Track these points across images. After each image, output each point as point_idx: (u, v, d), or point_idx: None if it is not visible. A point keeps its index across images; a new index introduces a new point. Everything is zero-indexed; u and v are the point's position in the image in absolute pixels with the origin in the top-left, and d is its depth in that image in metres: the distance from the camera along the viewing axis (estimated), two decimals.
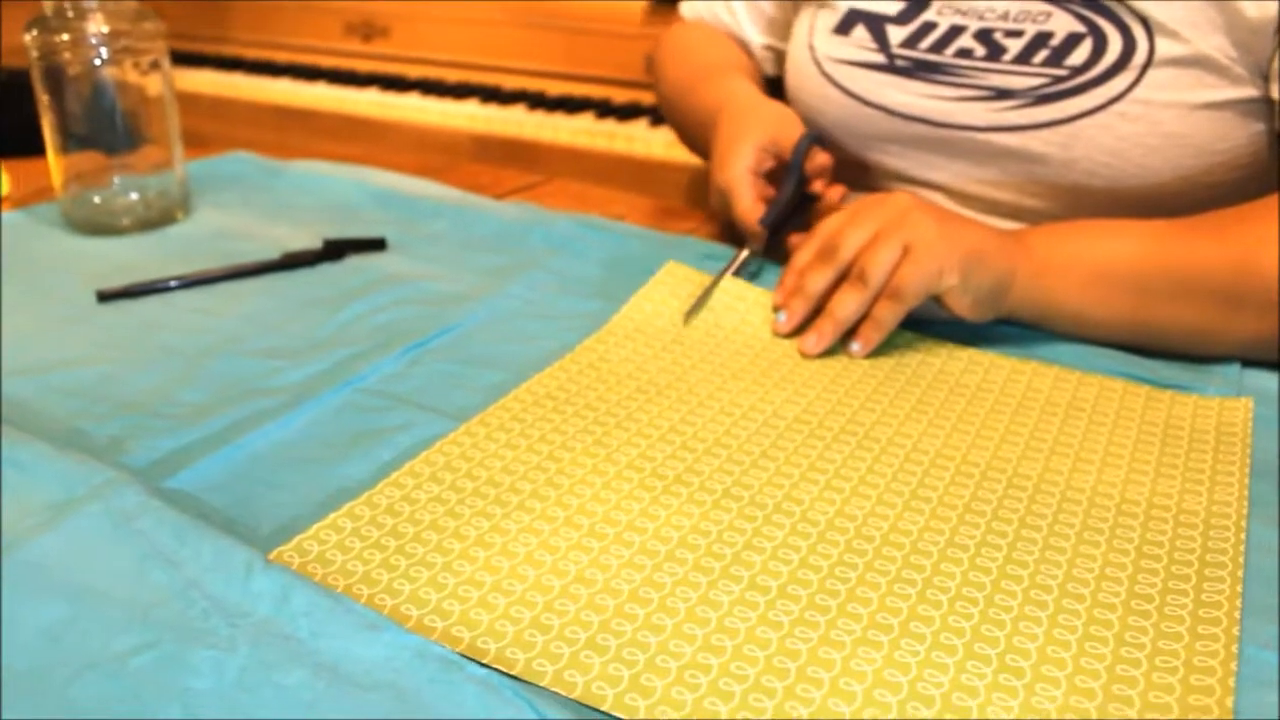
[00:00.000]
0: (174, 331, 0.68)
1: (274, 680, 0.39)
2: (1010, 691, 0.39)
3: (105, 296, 0.73)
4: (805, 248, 0.69)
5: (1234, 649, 0.41)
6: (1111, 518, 0.50)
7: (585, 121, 1.85)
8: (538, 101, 1.94)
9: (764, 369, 0.64)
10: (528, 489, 0.51)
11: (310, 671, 0.39)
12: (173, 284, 0.75)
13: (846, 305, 0.65)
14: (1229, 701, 0.39)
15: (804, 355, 0.66)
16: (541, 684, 0.39)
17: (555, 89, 1.96)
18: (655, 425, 0.57)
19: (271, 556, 0.46)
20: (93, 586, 0.43)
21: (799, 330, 0.68)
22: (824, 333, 0.66)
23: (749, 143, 0.78)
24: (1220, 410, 0.60)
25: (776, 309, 0.69)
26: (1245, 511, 0.50)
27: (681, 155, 1.74)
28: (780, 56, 0.99)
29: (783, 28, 0.98)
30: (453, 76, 2.08)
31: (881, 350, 0.66)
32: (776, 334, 0.68)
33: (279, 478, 0.52)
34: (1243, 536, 0.48)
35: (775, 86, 1.02)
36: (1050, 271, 0.66)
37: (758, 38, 1.00)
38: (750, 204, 0.75)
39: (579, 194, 0.99)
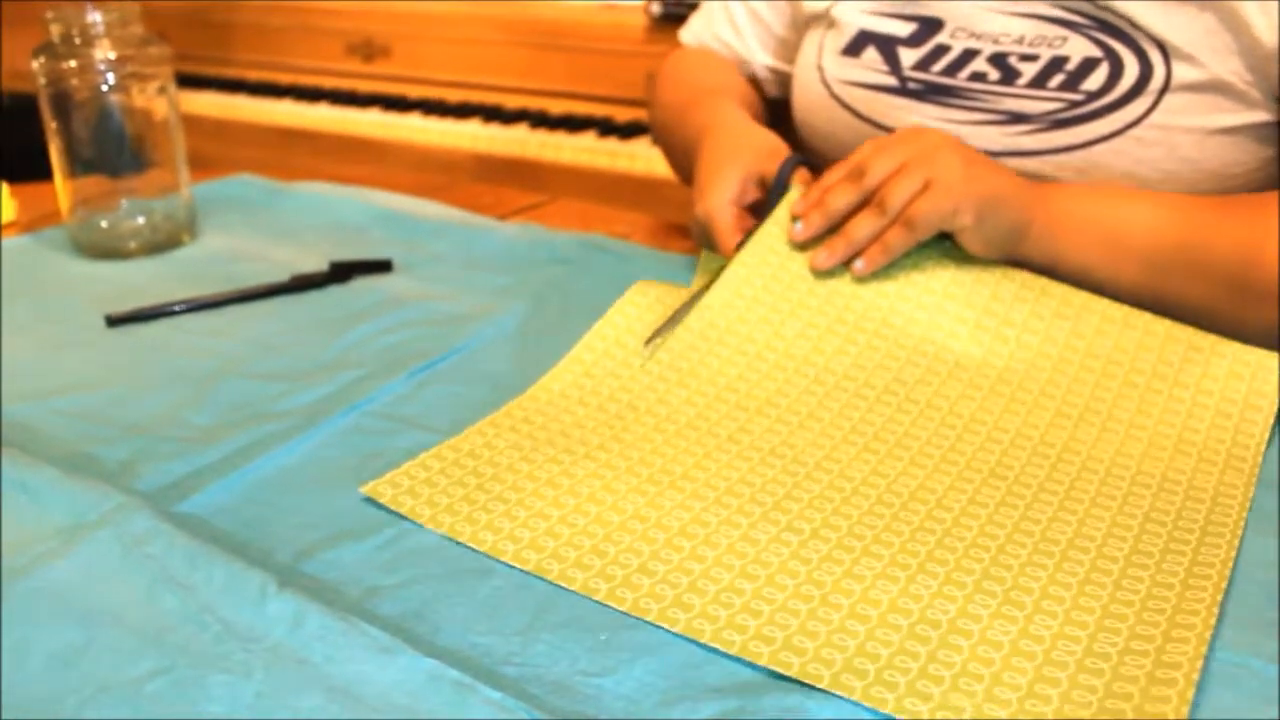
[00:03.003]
0: (182, 355, 0.68)
1: (289, 704, 0.39)
2: (1011, 619, 0.44)
3: (114, 320, 0.73)
4: (836, 167, 0.71)
5: (1219, 599, 0.45)
6: (1125, 487, 0.53)
7: (587, 140, 1.85)
8: (540, 121, 1.94)
9: (810, 326, 0.66)
10: (595, 441, 0.57)
11: (325, 695, 0.39)
12: (180, 308, 0.75)
13: (861, 228, 0.67)
14: (1207, 635, 0.43)
15: (813, 269, 0.69)
16: (596, 598, 0.45)
17: (557, 108, 1.97)
18: (711, 384, 0.62)
19: (366, 490, 0.52)
20: (105, 612, 0.44)
21: (812, 244, 0.70)
22: (835, 250, 0.68)
23: (733, 172, 0.74)
24: (1255, 373, 0.61)
25: (795, 218, 0.70)
26: (1252, 491, 0.53)
27: None
28: (786, 79, 0.98)
29: (790, 49, 0.97)
30: (454, 96, 2.09)
31: (935, 287, 0.68)
32: (792, 240, 0.70)
33: (290, 501, 0.52)
34: (1244, 516, 0.51)
35: (779, 108, 1.02)
36: (1064, 228, 0.69)
37: (764, 59, 0.99)
38: (729, 236, 0.72)
39: (582, 213, 0.99)
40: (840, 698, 0.40)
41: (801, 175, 0.75)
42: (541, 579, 0.47)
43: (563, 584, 0.46)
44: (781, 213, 0.71)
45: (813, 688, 0.40)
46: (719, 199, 0.73)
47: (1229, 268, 0.66)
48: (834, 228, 0.69)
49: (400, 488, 0.52)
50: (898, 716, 0.39)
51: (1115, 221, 0.69)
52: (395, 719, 0.38)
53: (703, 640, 0.43)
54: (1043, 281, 0.68)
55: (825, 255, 0.68)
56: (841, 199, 0.68)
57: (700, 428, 0.58)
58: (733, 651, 0.42)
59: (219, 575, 0.45)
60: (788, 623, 0.44)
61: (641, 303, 0.69)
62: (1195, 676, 0.40)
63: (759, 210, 0.74)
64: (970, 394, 0.61)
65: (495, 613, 0.45)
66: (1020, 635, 0.43)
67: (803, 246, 0.70)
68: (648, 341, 0.62)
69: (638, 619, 0.44)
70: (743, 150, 0.76)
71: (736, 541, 0.49)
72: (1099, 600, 0.45)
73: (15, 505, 0.50)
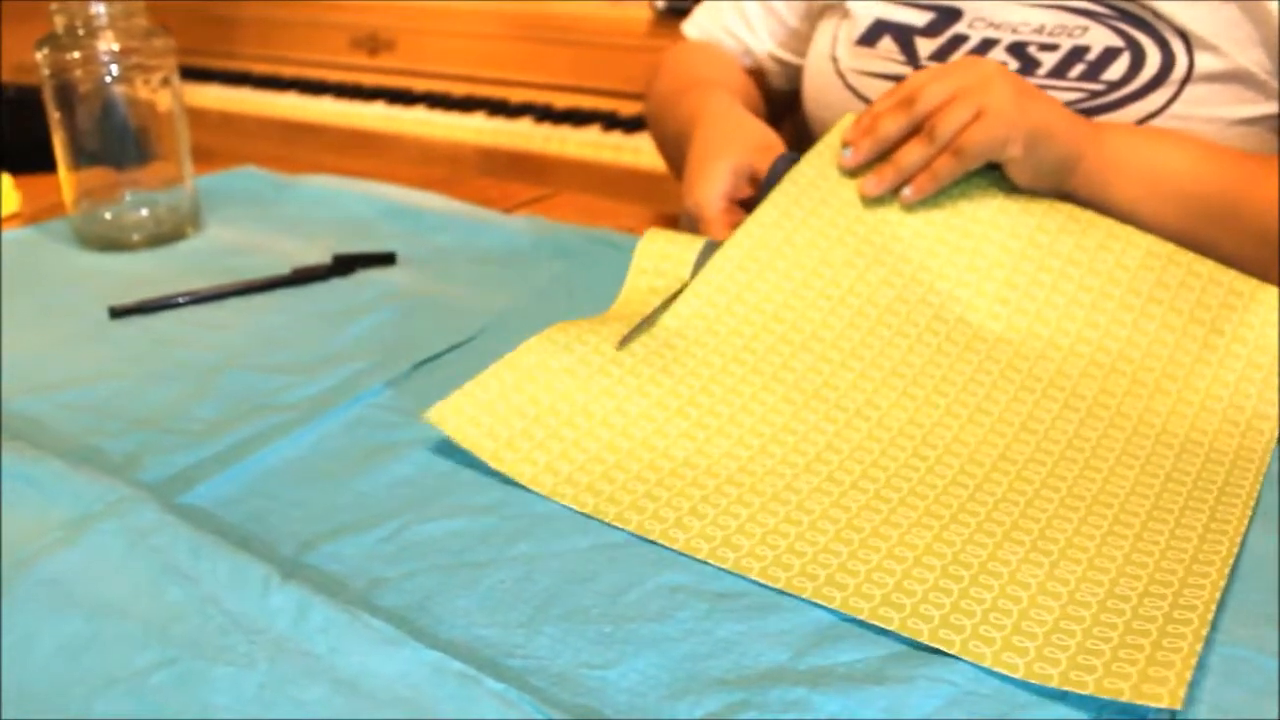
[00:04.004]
0: (186, 347, 0.68)
1: (293, 696, 0.39)
2: (1038, 565, 0.46)
3: (117, 313, 0.73)
4: (888, 94, 0.71)
5: (1234, 551, 0.47)
6: (1149, 445, 0.56)
7: (592, 134, 1.85)
8: (544, 114, 1.94)
9: (856, 255, 0.67)
10: (646, 374, 0.59)
11: (329, 687, 0.39)
12: (184, 300, 0.75)
13: (910, 155, 0.68)
14: (1221, 583, 0.45)
15: (861, 196, 0.69)
16: (651, 538, 0.48)
17: (562, 101, 1.97)
18: (759, 311, 0.63)
19: (431, 416, 0.54)
20: (110, 603, 0.44)
21: (861, 171, 0.70)
22: (884, 178, 0.69)
23: (723, 165, 0.73)
24: None
25: (845, 145, 0.71)
26: (1271, 451, 0.56)
27: None
28: (794, 72, 0.97)
29: (802, 41, 0.95)
30: (459, 90, 2.09)
31: (982, 217, 0.69)
32: (841, 166, 0.71)
33: (293, 493, 0.52)
34: (1260, 479, 0.53)
35: (784, 101, 1.02)
36: (1113, 168, 0.70)
37: (774, 51, 0.97)
38: (719, 231, 0.71)
39: (587, 207, 0.99)
40: (845, 693, 0.40)
41: None
42: (541, 571, 0.47)
43: (619, 524, 0.50)
44: (833, 138, 0.72)
45: (816, 682, 0.40)
46: (709, 192, 0.72)
47: (1263, 221, 0.67)
48: (883, 155, 0.69)
49: (464, 415, 0.54)
50: (933, 645, 0.42)
51: (1162, 165, 0.70)
52: (399, 711, 0.38)
53: (750, 576, 0.46)
54: (1089, 214, 0.69)
55: (874, 182, 0.69)
56: (892, 125, 0.69)
57: (746, 362, 0.60)
58: (778, 586, 0.45)
59: (223, 567, 0.45)
60: (829, 563, 0.47)
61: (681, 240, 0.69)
62: (1210, 616, 0.43)
63: (750, 206, 0.73)
64: (1009, 336, 0.63)
65: (499, 605, 0.45)
66: (1047, 578, 0.45)
67: (852, 173, 0.70)
68: (621, 344, 0.60)
69: (639, 613, 0.44)
70: (734, 142, 0.75)
71: (781, 491, 0.52)
72: (1121, 550, 0.47)
73: (21, 497, 0.50)
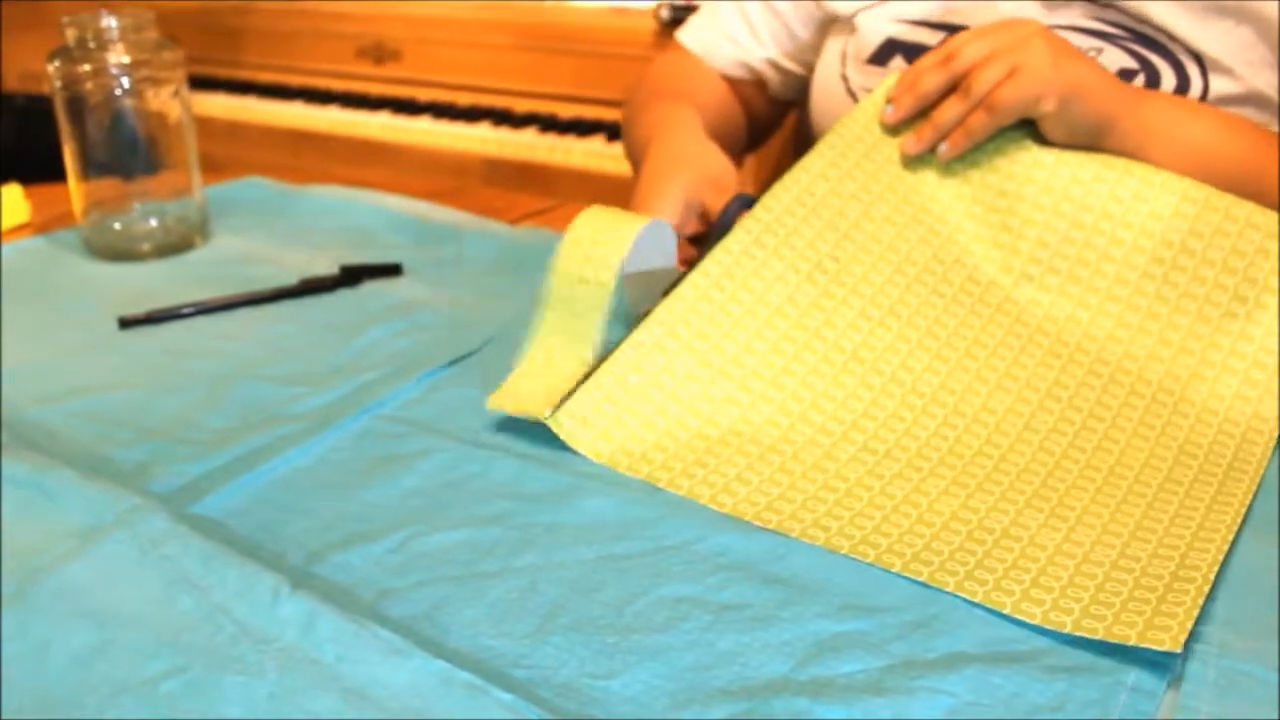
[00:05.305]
0: (195, 357, 0.69)
1: (302, 705, 0.39)
2: (1056, 529, 0.50)
3: (127, 323, 0.74)
4: (931, 52, 0.72)
5: (1239, 520, 0.51)
6: (1166, 415, 0.60)
7: (597, 144, 1.86)
8: (549, 124, 1.95)
9: (896, 212, 0.69)
10: (684, 334, 0.60)
11: (338, 697, 0.40)
12: (192, 310, 0.76)
13: (946, 112, 0.70)
14: (1225, 547, 0.49)
15: (903, 153, 0.71)
16: (702, 502, 0.53)
17: (567, 112, 1.97)
18: (804, 260, 0.64)
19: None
20: (122, 612, 0.44)
21: (903, 128, 0.72)
22: (923, 136, 0.71)
23: (675, 195, 0.69)
24: None
25: (888, 101, 0.72)
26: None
27: None
28: (792, 80, 0.97)
29: (805, 50, 0.95)
30: (464, 100, 2.10)
31: (1016, 172, 0.71)
32: (883, 122, 0.73)
33: (302, 504, 0.53)
34: (1269, 451, 0.57)
35: (778, 110, 1.03)
36: (1149, 136, 0.70)
37: (774, 55, 0.95)
38: None
39: None
40: (847, 703, 0.40)
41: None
42: (548, 582, 0.47)
43: (671, 489, 0.53)
44: (878, 94, 0.73)
45: (819, 693, 0.41)
46: (659, 214, 0.68)
47: None
48: (925, 113, 0.71)
49: (519, 392, 0.58)
50: (959, 594, 0.46)
51: (1198, 140, 0.70)
52: None
53: (794, 535, 0.50)
54: (1125, 162, 0.70)
55: (913, 141, 0.71)
56: (931, 81, 0.70)
57: (789, 315, 0.62)
58: (819, 542, 0.50)
59: (233, 577, 0.45)
60: (865, 525, 0.51)
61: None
62: (1213, 575, 0.46)
63: (699, 242, 0.69)
64: (1038, 298, 0.66)
65: (505, 615, 0.45)
66: (1065, 540, 0.49)
67: (893, 131, 0.72)
68: (552, 411, 0.57)
69: (644, 624, 0.45)
70: (686, 170, 0.71)
71: (821, 459, 0.56)
72: (1133, 517, 0.51)
73: (33, 507, 0.51)
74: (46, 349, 0.70)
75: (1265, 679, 0.42)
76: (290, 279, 0.80)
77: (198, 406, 0.62)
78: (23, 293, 0.79)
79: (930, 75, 0.70)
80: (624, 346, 0.59)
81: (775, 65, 0.96)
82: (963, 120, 0.69)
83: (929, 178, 0.71)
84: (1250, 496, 0.53)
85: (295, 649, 0.42)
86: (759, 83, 0.98)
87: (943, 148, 0.70)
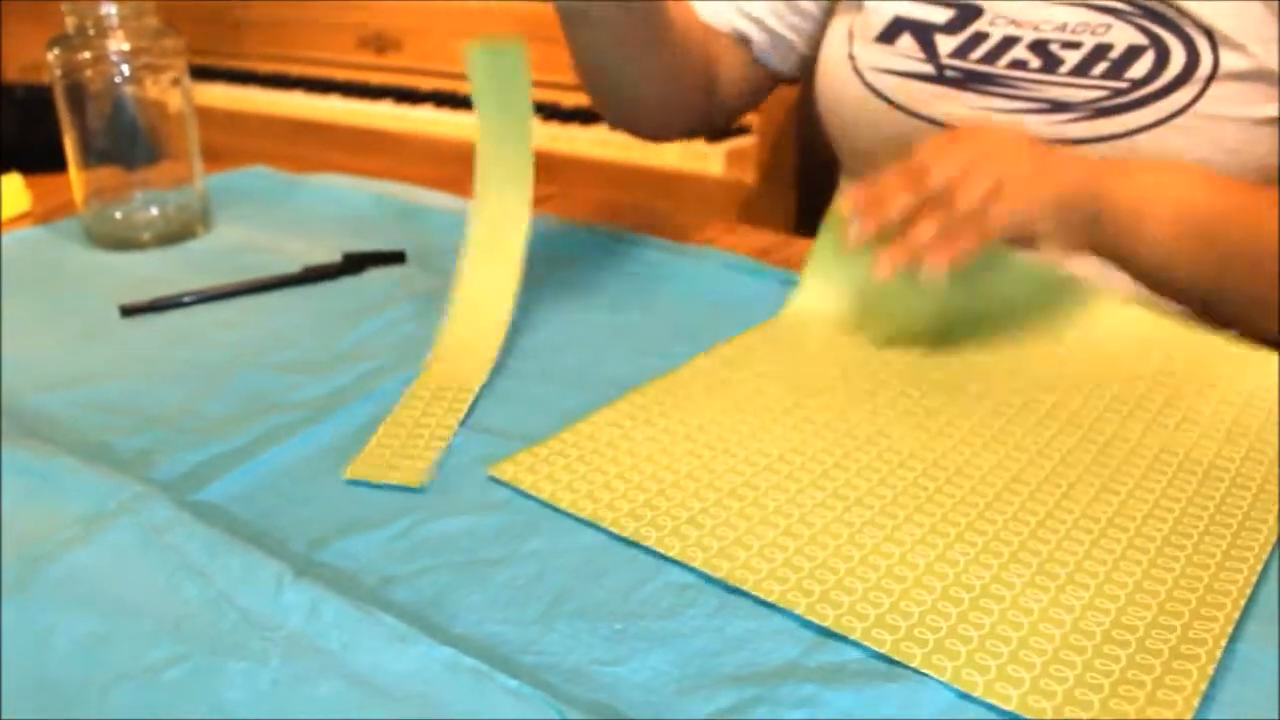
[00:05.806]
0: (197, 345, 0.68)
1: (306, 692, 0.39)
2: (1043, 589, 0.45)
3: (128, 311, 0.73)
4: (892, 170, 0.65)
5: (1251, 583, 0.45)
6: (1170, 472, 0.54)
7: (600, 132, 1.85)
8: (552, 113, 1.94)
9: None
10: (655, 410, 0.59)
11: (342, 683, 0.40)
12: (194, 299, 0.75)
13: (926, 230, 0.62)
14: (1235, 616, 0.43)
15: (874, 279, 0.64)
16: (647, 544, 0.48)
17: (569, 100, 1.97)
18: (773, 365, 0.64)
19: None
20: (125, 599, 0.44)
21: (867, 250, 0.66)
22: (896, 259, 0.63)
23: None
24: None
25: (847, 224, 0.65)
26: None
27: (697, 166, 1.75)
28: (784, 45, 0.94)
29: (806, 18, 0.92)
30: (466, 88, 2.09)
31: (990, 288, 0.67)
32: (845, 247, 0.66)
33: (305, 491, 0.53)
34: None
35: (776, 81, 1.02)
36: (1143, 214, 0.66)
37: (769, 20, 0.92)
38: None
39: (594, 206, 0.99)
40: (857, 689, 0.40)
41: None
42: (553, 568, 0.47)
43: (614, 530, 0.49)
44: (833, 219, 0.70)
45: (828, 679, 0.40)
46: None
47: None
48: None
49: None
50: (925, 671, 0.41)
51: (1190, 201, 0.67)
52: (413, 708, 0.39)
53: (744, 588, 0.45)
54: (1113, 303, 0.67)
55: (885, 265, 0.63)
56: (899, 203, 0.63)
57: (757, 400, 0.61)
58: (771, 599, 0.44)
59: (236, 564, 0.45)
60: (825, 578, 0.46)
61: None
62: (1218, 653, 0.41)
63: None
64: (1023, 389, 0.62)
65: (511, 602, 0.45)
66: (1051, 604, 0.44)
67: (857, 253, 0.66)
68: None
69: (650, 609, 0.44)
70: None
71: (783, 504, 0.51)
72: (1132, 576, 0.46)
73: (35, 495, 0.50)
74: (48, 338, 0.70)
75: (1276, 667, 0.41)
76: (292, 267, 0.80)
77: (200, 394, 0.62)
78: (24, 282, 0.79)
79: (898, 196, 0.63)
80: (579, 425, 0.58)
81: (762, 24, 0.92)
82: (948, 236, 0.62)
83: (903, 300, 0.67)
84: (1267, 553, 0.47)
85: (299, 636, 0.42)
86: (743, 39, 0.94)
87: (928, 269, 0.61)
